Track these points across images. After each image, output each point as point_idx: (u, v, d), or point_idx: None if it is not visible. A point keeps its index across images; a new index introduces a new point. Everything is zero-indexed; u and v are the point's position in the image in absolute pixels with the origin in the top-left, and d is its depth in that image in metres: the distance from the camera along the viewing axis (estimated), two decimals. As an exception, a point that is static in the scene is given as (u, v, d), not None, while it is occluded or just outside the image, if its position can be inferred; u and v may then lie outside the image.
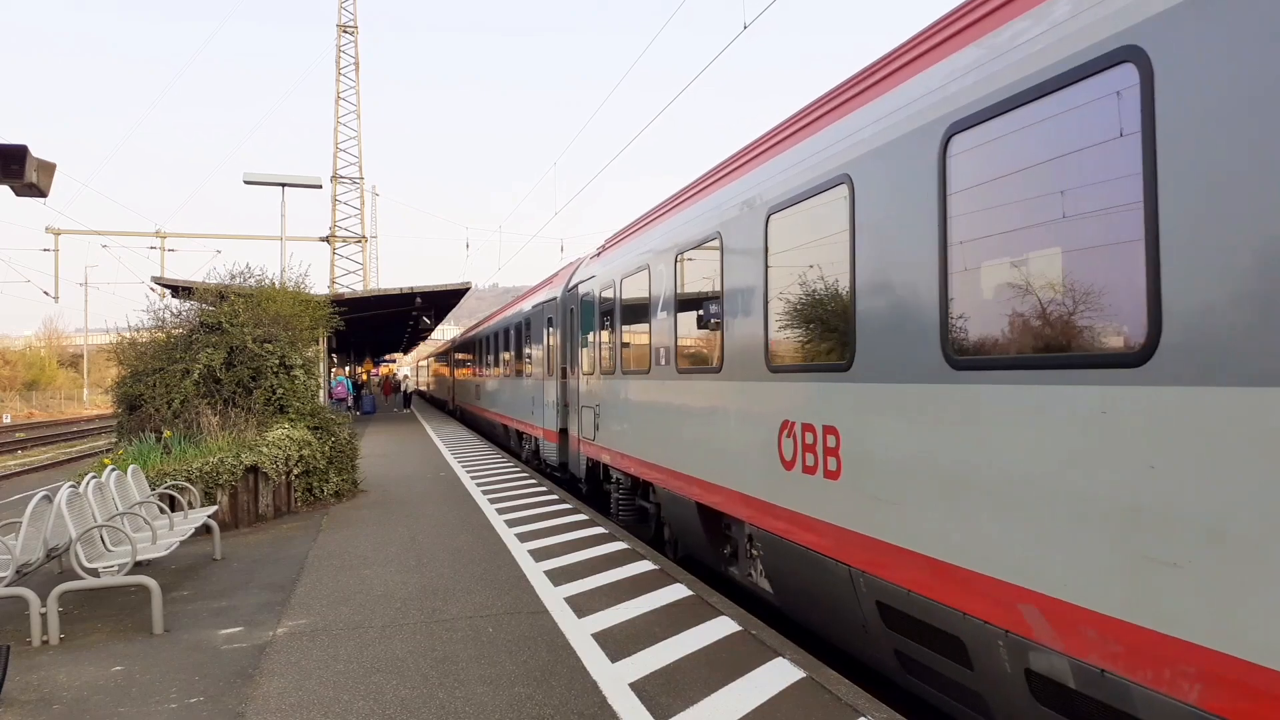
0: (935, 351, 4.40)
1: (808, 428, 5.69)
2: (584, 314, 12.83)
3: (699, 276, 7.92)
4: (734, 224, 6.98)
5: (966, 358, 4.20)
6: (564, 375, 14.39)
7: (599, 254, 12.52)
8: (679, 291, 8.41)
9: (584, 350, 12.85)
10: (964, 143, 4.25)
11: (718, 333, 7.27)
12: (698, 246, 7.83)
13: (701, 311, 7.80)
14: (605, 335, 11.43)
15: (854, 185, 5.16)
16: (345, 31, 46.67)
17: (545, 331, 15.95)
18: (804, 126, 6.14)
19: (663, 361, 8.82)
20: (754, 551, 6.99)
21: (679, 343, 8.40)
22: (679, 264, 8.39)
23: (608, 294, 11.21)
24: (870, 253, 5.04)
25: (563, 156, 28.12)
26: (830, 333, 5.58)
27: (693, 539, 8.41)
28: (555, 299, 15.07)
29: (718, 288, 7.29)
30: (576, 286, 13.34)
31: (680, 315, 8.39)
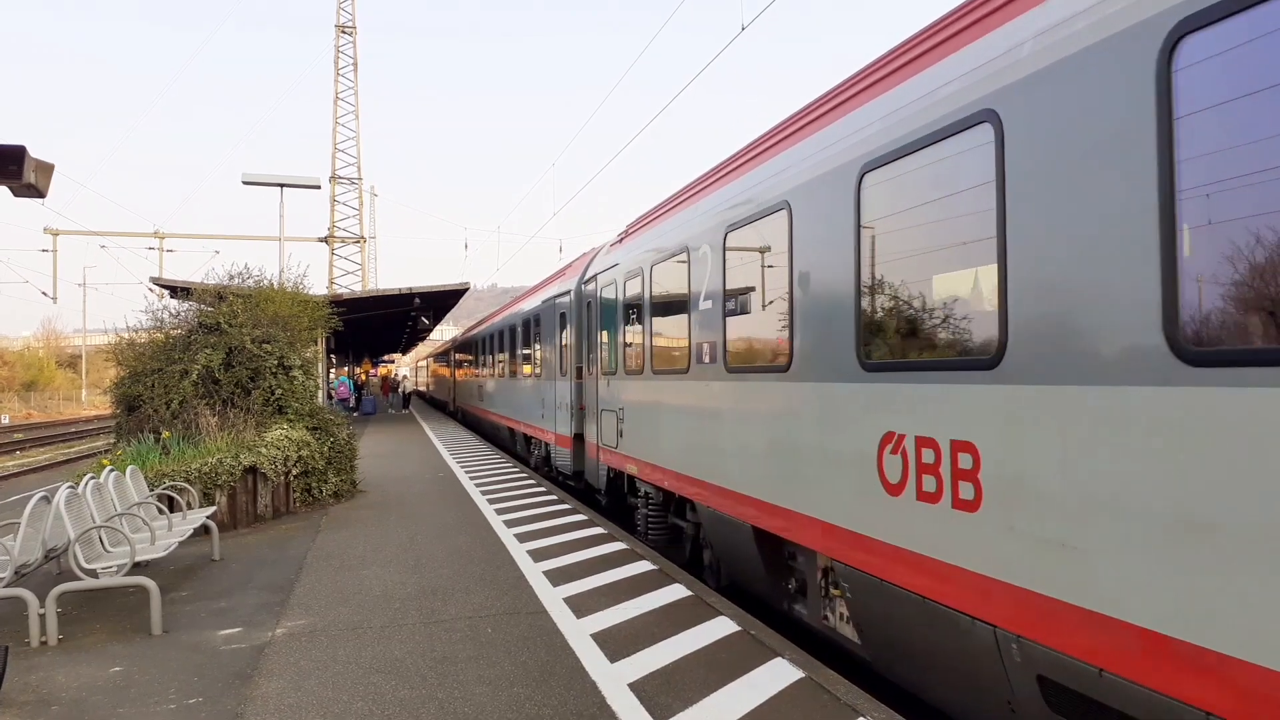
0: (1153, 340, 3.19)
1: (926, 443, 4.43)
2: (604, 307, 11.61)
3: (756, 257, 6.66)
4: (809, 189, 5.75)
5: (1216, 350, 2.98)
6: (579, 375, 13.32)
7: (621, 240, 11.34)
8: (729, 276, 7.13)
9: (604, 348, 11.63)
10: (1202, 45, 3.06)
11: (785, 323, 6.05)
12: (756, 220, 6.58)
13: (760, 298, 6.60)
14: (631, 330, 10.17)
15: (1002, 124, 3.97)
16: (344, 32, 46.65)
17: (557, 328, 14.86)
18: (913, 60, 4.91)
19: (706, 359, 7.54)
20: (833, 590, 5.82)
21: (729, 337, 7.12)
22: (729, 243, 7.13)
23: (634, 283, 9.96)
24: (1030, 211, 3.80)
25: (561, 157, 28.10)
26: (962, 319, 4.36)
27: (744, 568, 7.16)
28: (569, 292, 14.00)
29: (784, 269, 6.09)
30: (595, 278, 12.19)
31: (730, 304, 7.10)
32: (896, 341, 4.86)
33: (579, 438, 13.45)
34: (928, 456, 4.44)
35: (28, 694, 5.29)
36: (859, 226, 5.12)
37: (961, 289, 4.40)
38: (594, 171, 20.92)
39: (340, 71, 46.34)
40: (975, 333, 4.26)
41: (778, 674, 5.29)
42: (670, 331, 8.78)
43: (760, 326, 6.65)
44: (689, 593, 7.23)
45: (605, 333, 11.58)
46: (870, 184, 5.03)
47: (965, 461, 4.16)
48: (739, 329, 7.01)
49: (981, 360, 4.09)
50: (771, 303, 6.39)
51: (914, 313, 4.76)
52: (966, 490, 4.14)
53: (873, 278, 5.04)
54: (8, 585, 6.36)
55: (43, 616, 6.27)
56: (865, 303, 5.08)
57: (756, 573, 6.88)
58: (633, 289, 10.04)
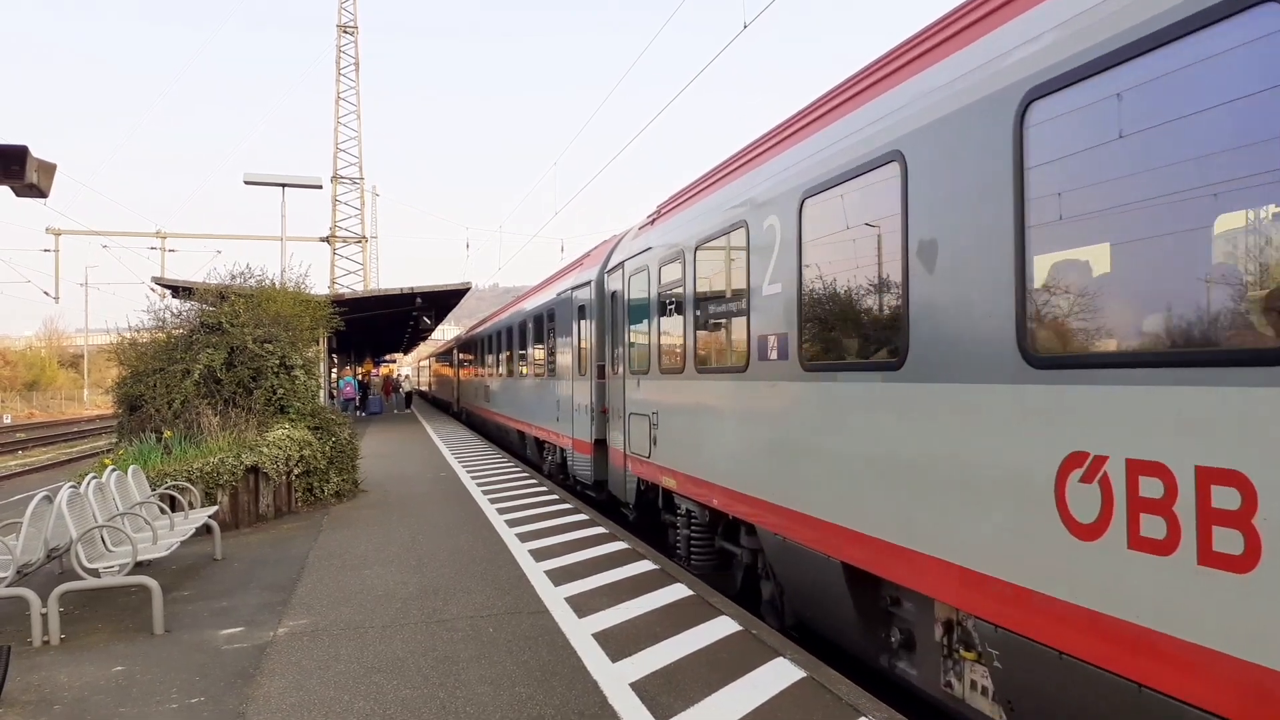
0: None
1: (1148, 470, 3.24)
2: (633, 298, 10.30)
3: (848, 226, 5.47)
4: (936, 132, 4.51)
5: None
6: (601, 375, 12.17)
7: (653, 221, 9.95)
8: (806, 253, 5.91)
9: (632, 343, 10.34)
10: None
11: (895, 309, 4.86)
12: (850, 180, 5.33)
13: (854, 278, 5.41)
14: (668, 323, 8.96)
15: None
16: (345, 32, 46.71)
17: (575, 323, 13.67)
18: None
19: (773, 355, 6.34)
20: (962, 652, 4.64)
21: (806, 328, 5.90)
22: (806, 212, 5.90)
23: (672, 269, 8.73)
24: None
25: (563, 157, 28.09)
26: (1221, 294, 3.14)
27: (825, 610, 5.94)
28: (589, 283, 12.79)
29: (893, 238, 4.87)
30: (621, 265, 10.84)
31: (808, 287, 5.87)
32: (1090, 329, 3.65)
33: (600, 443, 12.32)
34: (1150, 489, 3.23)
35: (30, 694, 5.29)
36: (1021, 172, 3.89)
37: (1217, 249, 3.13)
38: (596, 171, 20.91)
39: (341, 71, 46.42)
40: (1248, 314, 3.02)
41: (779, 673, 5.29)
42: (721, 323, 7.56)
43: (854, 314, 5.42)
44: (690, 592, 7.23)
45: (635, 327, 10.30)
46: (1041, 115, 3.83)
47: (1226, 499, 2.95)
48: (821, 318, 5.78)
49: (1262, 352, 2.88)
50: (872, 283, 5.17)
51: (1125, 289, 3.49)
52: (1228, 541, 2.94)
53: (1046, 241, 3.80)
54: (10, 585, 6.37)
55: (45, 616, 6.27)
56: (1034, 276, 3.83)
57: (842, 617, 5.65)
58: (670, 275, 8.81)
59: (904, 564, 4.72)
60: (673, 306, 8.77)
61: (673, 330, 8.78)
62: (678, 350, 8.59)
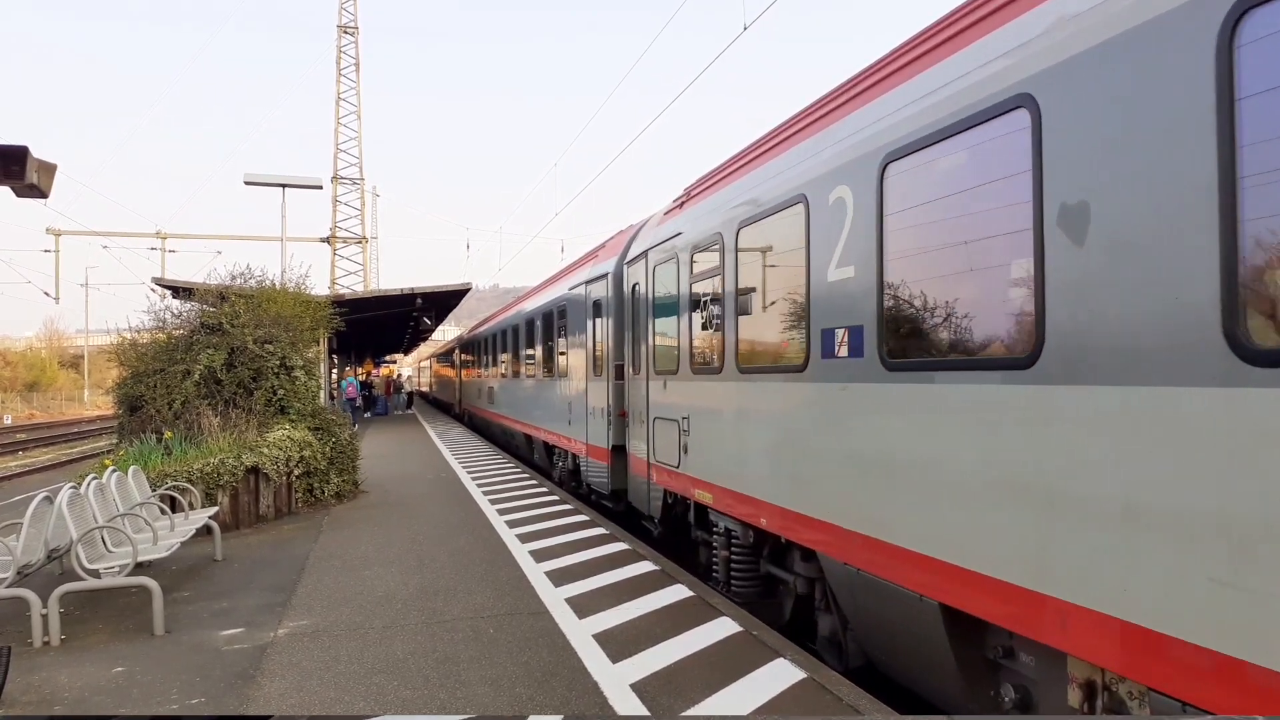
0: None
1: None
2: (658, 291, 9.36)
3: (951, 192, 4.45)
4: (1085, 68, 3.57)
5: None
6: (619, 375, 11.26)
7: (682, 205, 8.94)
8: (888, 228, 4.95)
9: (658, 341, 9.44)
10: None
11: (1023, 291, 3.94)
12: (954, 135, 4.38)
13: (954, 257, 4.45)
14: (701, 318, 7.94)
15: None
16: (345, 32, 46.77)
17: (590, 320, 12.75)
18: None
19: (841, 351, 5.39)
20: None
21: (888, 318, 4.93)
22: (889, 179, 4.95)
23: (708, 256, 7.71)
24: None
25: (563, 159, 28.11)
26: None
27: (912, 656, 5.03)
28: (605, 276, 11.84)
29: (1018, 205, 3.95)
30: (645, 254, 9.84)
31: (892, 268, 4.91)
32: None
33: (619, 450, 11.30)
34: None
35: (30, 694, 5.29)
36: (1231, 109, 2.95)
37: None
38: (596, 173, 20.92)
39: (342, 72, 46.48)
40: None
41: (779, 674, 5.29)
42: (770, 316, 6.59)
43: (958, 300, 4.43)
44: (691, 593, 7.23)
45: (660, 322, 9.30)
46: (1259, 29, 2.88)
47: None
48: (909, 306, 4.84)
49: None
50: (985, 260, 4.26)
51: None
52: None
53: (1274, 198, 2.86)
54: (10, 585, 6.37)
55: (45, 617, 6.27)
56: (1254, 242, 2.89)
57: (935, 667, 4.78)
58: (705, 263, 7.81)
59: (1035, 612, 3.77)
60: (708, 298, 7.73)
61: (708, 325, 7.74)
62: (715, 348, 7.55)
